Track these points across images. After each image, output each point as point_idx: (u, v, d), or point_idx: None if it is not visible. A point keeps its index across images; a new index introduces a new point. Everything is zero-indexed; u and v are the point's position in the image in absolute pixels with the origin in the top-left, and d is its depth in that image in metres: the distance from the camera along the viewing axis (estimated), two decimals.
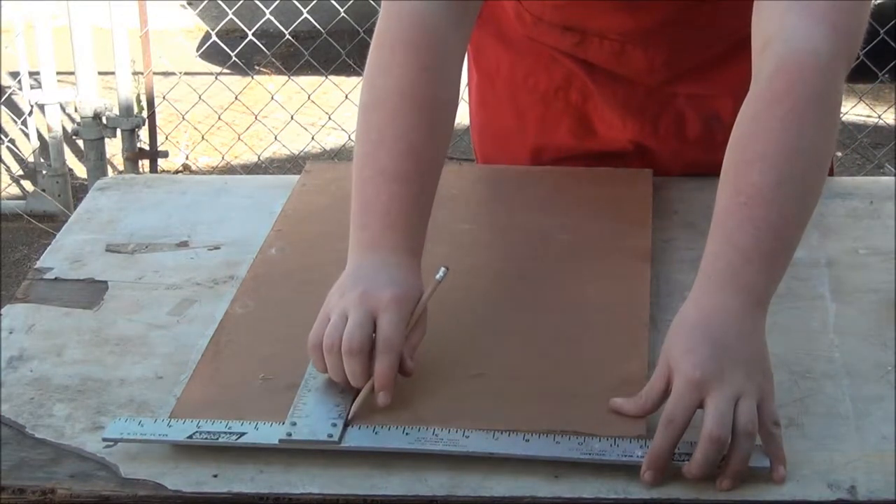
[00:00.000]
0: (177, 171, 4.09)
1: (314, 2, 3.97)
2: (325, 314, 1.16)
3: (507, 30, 1.56)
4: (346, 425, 1.10)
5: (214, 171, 4.12)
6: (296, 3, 4.03)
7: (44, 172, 3.84)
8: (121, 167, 3.89)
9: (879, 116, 4.00)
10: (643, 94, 1.52)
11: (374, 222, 1.20)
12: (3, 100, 3.95)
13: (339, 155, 4.19)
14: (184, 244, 1.46)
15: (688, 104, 1.53)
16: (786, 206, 1.12)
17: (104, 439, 1.10)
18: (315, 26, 4.02)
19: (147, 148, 3.82)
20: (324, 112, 4.10)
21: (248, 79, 4.10)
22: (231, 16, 3.96)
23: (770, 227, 1.11)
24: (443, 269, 1.19)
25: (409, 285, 1.17)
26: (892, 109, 4.05)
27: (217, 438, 1.09)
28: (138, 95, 3.91)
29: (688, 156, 1.55)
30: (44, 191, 3.83)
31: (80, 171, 3.99)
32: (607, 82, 1.52)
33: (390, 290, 1.15)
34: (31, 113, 3.83)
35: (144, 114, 3.80)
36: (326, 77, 4.06)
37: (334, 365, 1.13)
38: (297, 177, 1.58)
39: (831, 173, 1.64)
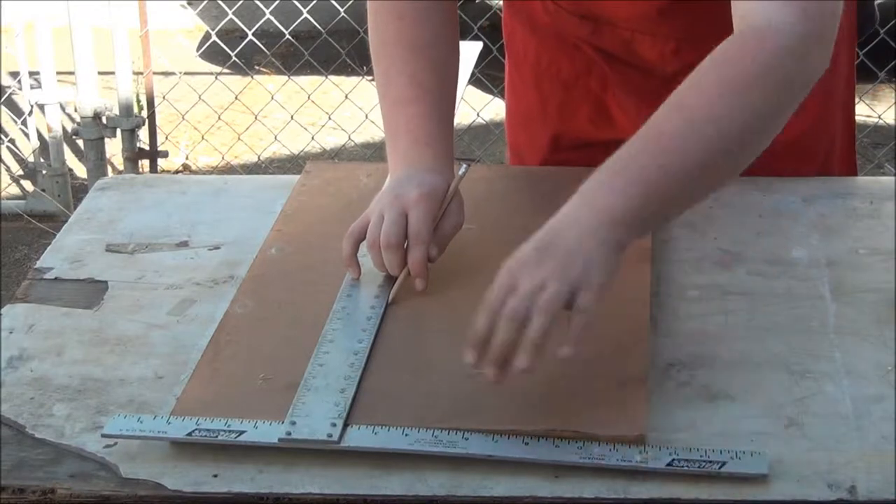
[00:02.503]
0: (177, 171, 4.09)
1: (314, 2, 3.97)
2: (366, 215, 1.32)
3: (535, 18, 1.61)
4: (345, 425, 1.10)
5: (214, 171, 4.11)
6: (296, 3, 4.03)
7: (44, 172, 3.84)
8: (121, 167, 3.89)
9: (879, 116, 3.99)
10: (658, 83, 1.53)
11: (401, 142, 1.39)
12: (3, 100, 3.95)
13: (339, 155, 4.18)
14: (184, 244, 1.46)
15: None
16: (685, 156, 1.16)
17: (103, 435, 1.10)
18: (315, 26, 4.02)
19: (147, 148, 3.82)
20: (324, 112, 4.10)
21: (248, 79, 4.10)
22: (231, 16, 3.96)
23: (657, 164, 1.16)
24: (464, 165, 1.39)
25: (436, 184, 1.33)
26: (892, 109, 4.05)
27: (216, 436, 1.09)
28: (138, 95, 3.91)
29: None
30: (44, 191, 3.83)
31: (80, 171, 3.99)
32: (624, 71, 1.56)
33: (418, 190, 1.31)
34: (31, 113, 3.83)
35: (144, 114, 3.80)
36: (326, 77, 4.06)
37: (375, 258, 1.31)
38: (297, 177, 1.58)
39: (854, 173, 1.65)
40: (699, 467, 1.05)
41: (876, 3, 1.65)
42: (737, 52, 1.21)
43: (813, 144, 1.58)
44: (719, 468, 1.04)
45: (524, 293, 1.09)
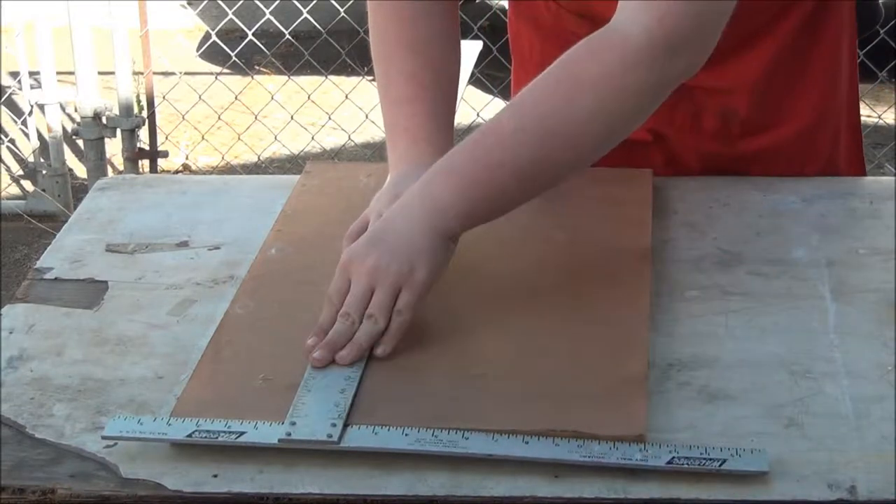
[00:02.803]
0: (177, 171, 4.10)
1: (314, 2, 3.97)
2: (366, 215, 1.34)
3: (539, 18, 1.61)
4: (345, 425, 1.10)
5: (214, 171, 4.12)
6: (296, 3, 4.03)
7: (44, 172, 3.84)
8: (121, 167, 3.89)
9: (879, 116, 4.00)
10: None
11: (400, 141, 1.40)
12: (3, 100, 3.95)
13: (339, 155, 4.19)
14: (184, 244, 1.46)
15: (703, 98, 1.54)
16: (509, 153, 1.22)
17: (103, 437, 1.10)
18: (315, 26, 4.02)
19: (147, 148, 3.82)
20: (324, 112, 4.10)
21: (248, 79, 4.10)
22: (231, 16, 3.96)
23: (485, 161, 1.23)
24: None
25: None
26: (892, 109, 4.05)
27: (216, 437, 1.09)
28: (138, 95, 3.91)
29: (705, 147, 1.56)
30: (44, 191, 3.83)
31: (80, 171, 3.99)
32: None
33: None
34: (31, 113, 3.83)
35: (144, 114, 3.80)
36: (326, 77, 4.06)
37: None
38: (297, 177, 1.58)
39: (862, 173, 1.65)
40: (699, 465, 1.05)
41: (880, 1, 1.65)
42: (585, 51, 1.24)
43: (815, 143, 1.58)
44: (719, 465, 1.04)
45: (356, 296, 1.20)
